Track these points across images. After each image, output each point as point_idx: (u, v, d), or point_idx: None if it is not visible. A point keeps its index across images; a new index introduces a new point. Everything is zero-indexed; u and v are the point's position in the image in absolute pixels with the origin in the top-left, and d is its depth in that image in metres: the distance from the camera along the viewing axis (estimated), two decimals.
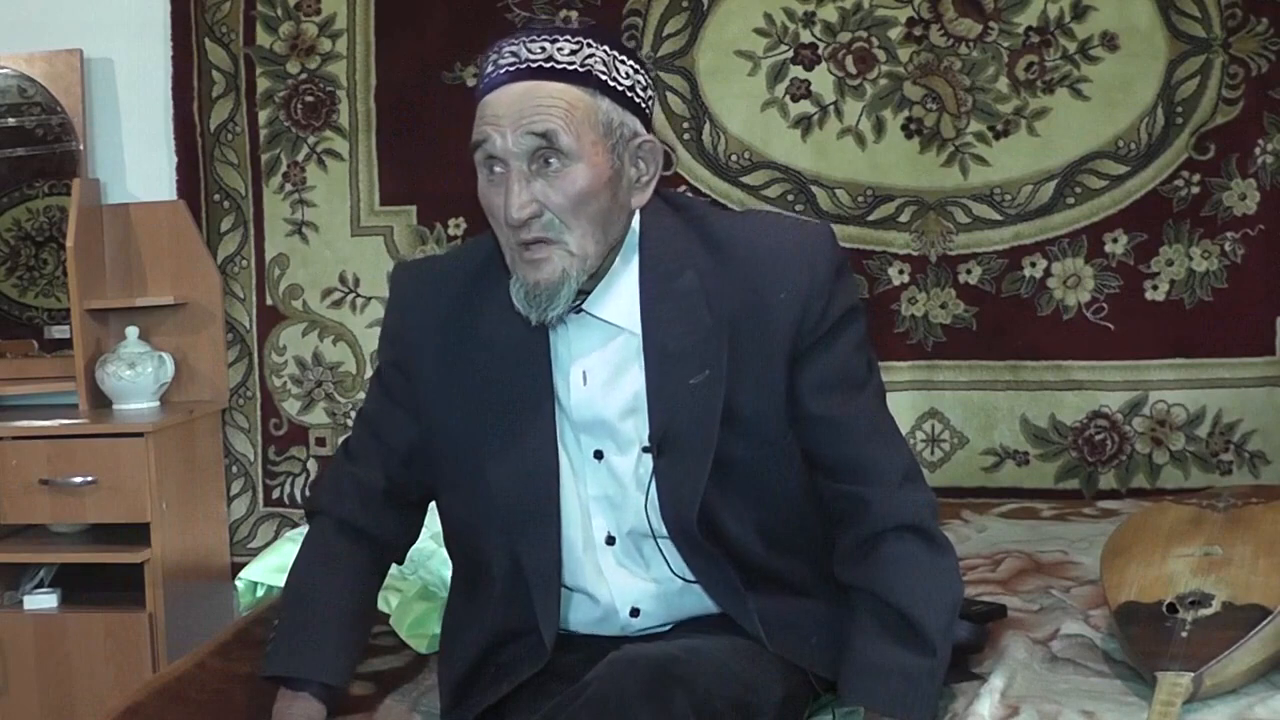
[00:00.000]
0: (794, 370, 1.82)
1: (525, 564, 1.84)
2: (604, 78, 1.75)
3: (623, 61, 1.78)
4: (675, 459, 1.80)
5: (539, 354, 1.84)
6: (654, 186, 1.83)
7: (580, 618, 1.90)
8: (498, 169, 1.75)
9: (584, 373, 1.84)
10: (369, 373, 3.70)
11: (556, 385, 1.85)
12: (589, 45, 1.75)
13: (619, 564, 1.87)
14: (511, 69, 1.74)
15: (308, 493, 3.75)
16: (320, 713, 1.89)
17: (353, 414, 3.71)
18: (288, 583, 2.03)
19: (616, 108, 1.76)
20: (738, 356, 1.80)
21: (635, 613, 1.88)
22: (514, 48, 1.75)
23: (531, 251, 1.74)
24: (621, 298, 1.82)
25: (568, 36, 1.75)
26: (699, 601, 1.87)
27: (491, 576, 1.89)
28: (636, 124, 1.79)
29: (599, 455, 1.85)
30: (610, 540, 1.87)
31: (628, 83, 1.78)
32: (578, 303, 1.81)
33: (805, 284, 1.81)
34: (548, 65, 1.73)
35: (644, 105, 1.81)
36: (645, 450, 1.81)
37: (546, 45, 1.74)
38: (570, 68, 1.73)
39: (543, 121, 1.71)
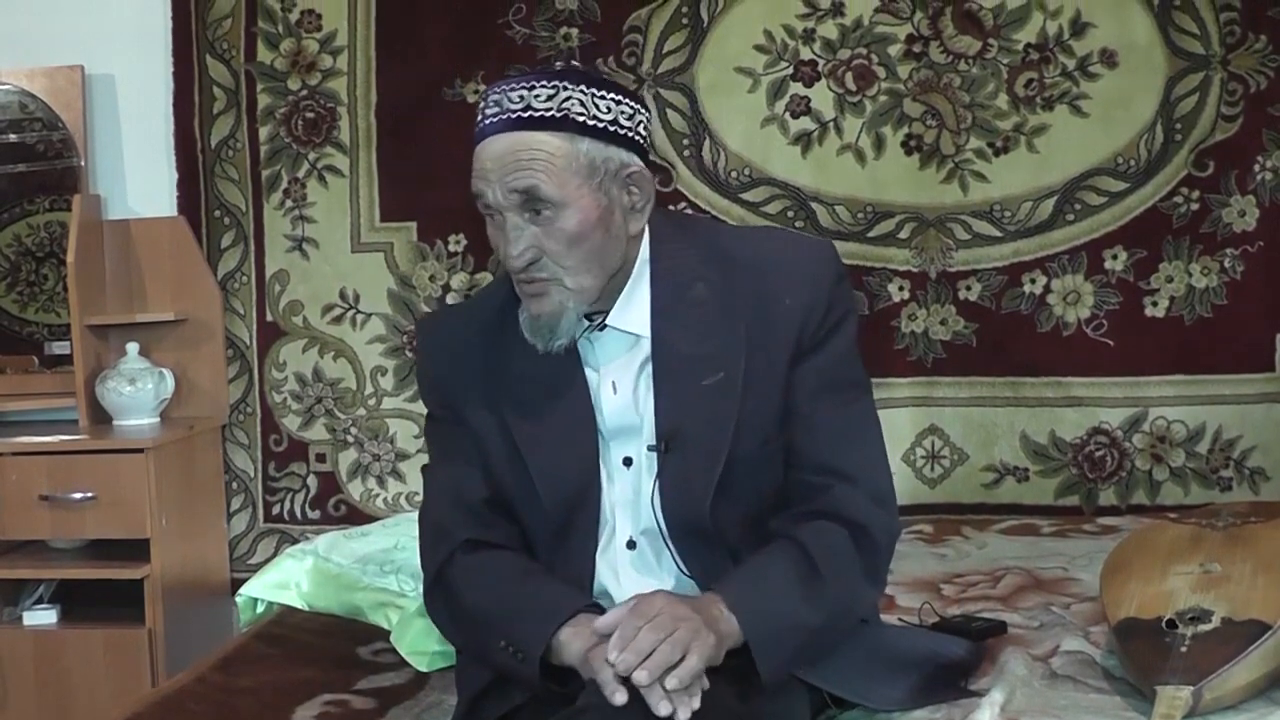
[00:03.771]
0: (792, 370, 1.88)
1: (559, 574, 1.89)
2: (582, 119, 1.80)
3: (601, 97, 1.82)
4: (682, 457, 1.85)
5: (573, 376, 1.90)
6: (649, 211, 1.89)
7: None
8: (496, 216, 1.83)
9: (614, 383, 1.90)
10: (369, 389, 3.71)
11: (591, 397, 1.91)
12: (565, 89, 1.80)
13: (635, 568, 1.91)
14: (496, 119, 1.81)
15: (309, 511, 3.75)
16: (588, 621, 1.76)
17: (353, 430, 3.72)
18: (468, 622, 1.91)
19: (599, 144, 1.82)
20: (747, 360, 1.86)
21: None
22: (497, 97, 1.82)
23: (533, 287, 1.83)
24: (639, 310, 1.89)
25: (544, 82, 1.81)
26: None
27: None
28: (622, 154, 1.84)
29: (628, 462, 1.90)
30: (631, 544, 1.91)
31: (609, 117, 1.83)
32: (599, 320, 1.88)
33: (809, 292, 1.88)
34: (526, 115, 1.80)
35: (629, 134, 1.85)
36: (651, 449, 1.87)
37: (525, 94, 1.80)
38: (548, 114, 1.80)
39: (525, 178, 1.78)
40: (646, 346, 1.89)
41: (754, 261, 1.91)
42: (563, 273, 1.81)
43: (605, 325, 1.89)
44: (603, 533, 1.91)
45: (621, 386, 1.90)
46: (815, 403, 1.88)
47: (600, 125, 1.82)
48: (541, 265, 1.81)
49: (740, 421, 1.85)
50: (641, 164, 1.87)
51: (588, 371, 1.91)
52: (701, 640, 1.65)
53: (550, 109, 1.79)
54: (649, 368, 1.88)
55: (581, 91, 1.81)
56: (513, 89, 1.81)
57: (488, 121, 1.82)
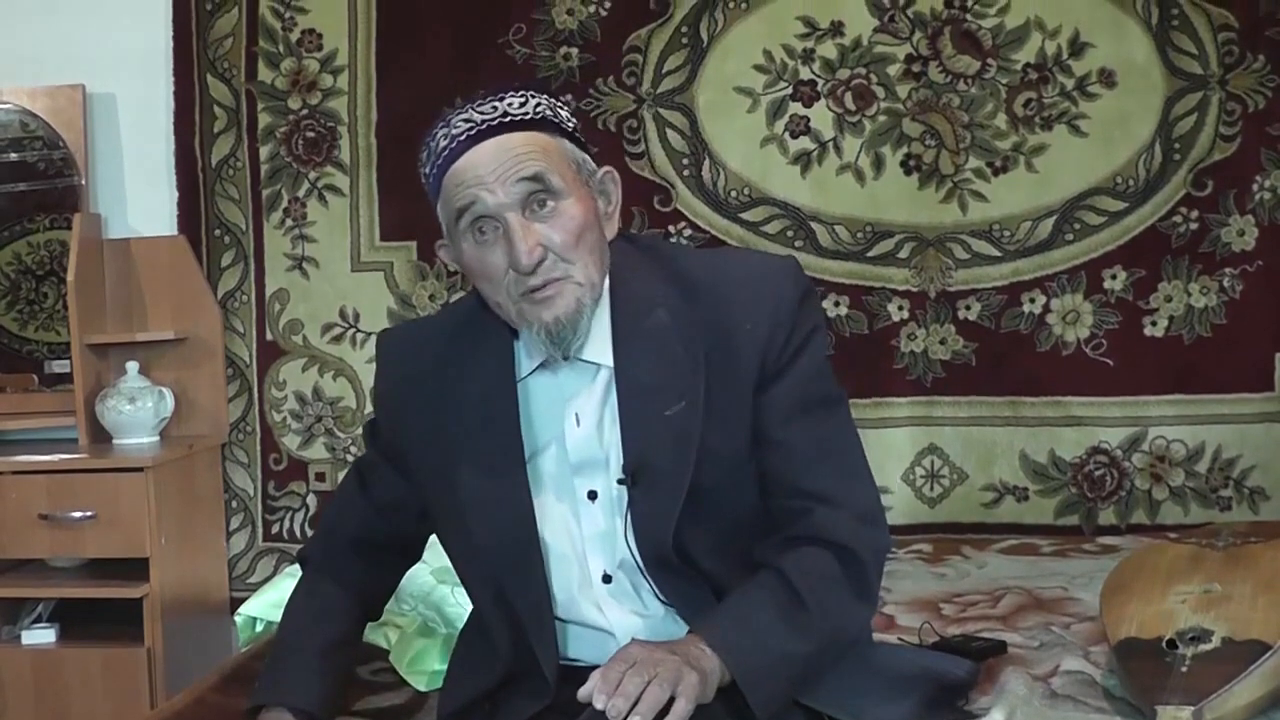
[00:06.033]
0: (758, 396, 1.84)
1: (517, 606, 1.86)
2: (556, 121, 1.81)
3: (563, 107, 1.85)
4: (649, 488, 1.81)
5: (509, 406, 1.87)
6: (618, 215, 1.87)
7: (583, 651, 1.90)
8: (487, 229, 1.78)
9: (576, 415, 1.86)
10: (369, 408, 3.70)
11: (542, 432, 1.87)
12: (532, 96, 1.81)
13: (615, 600, 1.87)
14: (471, 133, 1.79)
15: (308, 530, 3.76)
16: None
17: (352, 449, 3.72)
18: (279, 623, 2.11)
19: (573, 146, 1.82)
20: (709, 387, 1.82)
21: None
22: (464, 115, 1.80)
23: (542, 292, 1.76)
24: (601, 339, 1.84)
25: (510, 93, 1.80)
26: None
27: (496, 620, 1.90)
28: (590, 159, 1.85)
29: (593, 496, 1.86)
30: (607, 579, 1.87)
31: (572, 124, 1.85)
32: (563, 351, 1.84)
33: (770, 314, 1.83)
34: (505, 120, 1.78)
35: (587, 144, 1.87)
36: (620, 482, 1.82)
37: (496, 104, 1.79)
38: (526, 117, 1.79)
39: (529, 166, 1.75)
40: (609, 377, 1.85)
41: (715, 285, 1.86)
42: (573, 268, 1.76)
43: (569, 355, 1.83)
44: (568, 569, 1.87)
45: (585, 419, 1.85)
46: (787, 427, 1.84)
47: (569, 128, 1.83)
48: (552, 263, 1.76)
49: (704, 450, 1.80)
50: (610, 168, 1.87)
51: (548, 402, 1.88)
52: (686, 681, 1.63)
53: (526, 113, 1.78)
54: (612, 399, 1.84)
55: (546, 99, 1.83)
56: (479, 104, 1.80)
57: (461, 137, 1.79)
